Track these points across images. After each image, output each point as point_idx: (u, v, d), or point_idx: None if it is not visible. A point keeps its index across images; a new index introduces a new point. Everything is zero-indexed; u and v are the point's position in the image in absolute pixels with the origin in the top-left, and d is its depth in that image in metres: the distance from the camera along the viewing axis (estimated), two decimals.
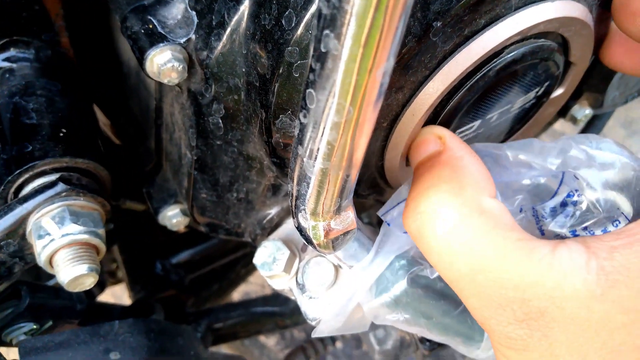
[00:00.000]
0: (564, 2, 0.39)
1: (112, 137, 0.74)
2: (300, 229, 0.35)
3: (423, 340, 0.56)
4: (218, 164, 0.48)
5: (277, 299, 0.73)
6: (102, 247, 0.43)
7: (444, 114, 0.41)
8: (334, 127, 0.29)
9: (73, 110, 0.49)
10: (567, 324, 0.31)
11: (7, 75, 0.50)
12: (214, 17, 0.41)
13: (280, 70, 0.38)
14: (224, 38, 0.41)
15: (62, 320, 0.54)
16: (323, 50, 0.26)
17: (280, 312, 0.72)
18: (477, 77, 0.39)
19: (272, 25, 0.37)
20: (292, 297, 0.49)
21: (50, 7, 0.55)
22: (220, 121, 0.45)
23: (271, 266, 0.46)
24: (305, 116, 0.30)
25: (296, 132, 0.31)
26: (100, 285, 0.72)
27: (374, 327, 0.56)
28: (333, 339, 0.77)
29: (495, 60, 0.39)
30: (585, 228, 0.37)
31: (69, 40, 0.57)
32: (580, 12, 0.40)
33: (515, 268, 0.32)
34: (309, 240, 0.35)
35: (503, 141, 0.52)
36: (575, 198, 0.37)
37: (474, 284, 0.33)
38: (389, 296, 0.43)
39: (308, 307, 0.45)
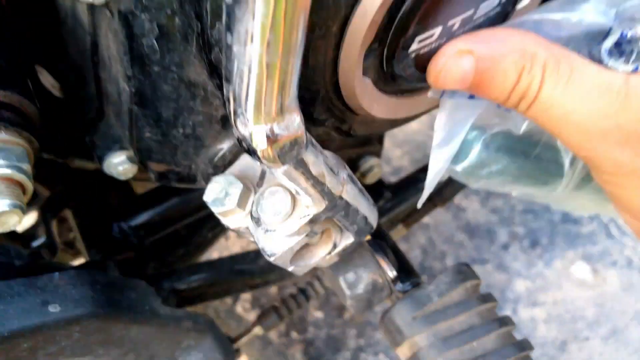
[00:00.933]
0: None
1: (53, 89, 0.69)
2: (240, 139, 0.31)
3: (396, 280, 0.53)
4: (159, 95, 0.44)
5: (246, 257, 0.70)
6: (29, 184, 0.38)
7: (400, 16, 0.37)
8: (264, 1, 0.25)
9: None
10: None
11: None
12: None
13: None
14: None
15: None
16: None
17: (249, 270, 0.69)
18: None
19: None
20: (250, 238, 0.45)
21: None
22: (155, 43, 0.40)
23: (223, 201, 0.42)
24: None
25: (223, 17, 0.27)
26: (51, 250, 0.67)
27: (343, 270, 0.53)
28: (307, 296, 0.74)
29: None
30: None
31: None
32: None
33: (600, 100, 0.36)
34: (250, 150, 0.31)
35: None
36: (629, 35, 0.37)
37: (572, 123, 0.37)
38: (467, 163, 0.48)
39: (265, 242, 0.41)
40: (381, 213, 0.80)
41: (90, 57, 0.50)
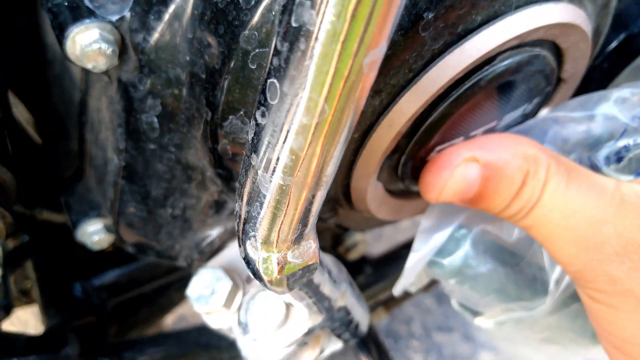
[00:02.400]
0: (567, 6, 0.33)
1: (33, 135, 0.64)
2: (247, 260, 0.27)
3: None
4: (150, 173, 0.40)
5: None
6: None
7: (425, 127, 0.35)
8: (301, 130, 0.22)
9: None
10: None
11: None
12: None
13: (233, 60, 0.31)
14: (166, 18, 0.33)
15: None
16: (294, 24, 0.19)
17: (217, 345, 0.64)
18: (467, 86, 0.33)
19: (227, 4, 0.30)
20: (231, 337, 0.41)
21: None
22: (156, 120, 0.37)
23: (208, 300, 0.38)
24: (263, 115, 0.23)
25: (250, 136, 0.24)
26: (6, 309, 0.61)
27: None
28: None
29: (486, 68, 0.33)
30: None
31: None
32: (582, 20, 0.35)
33: (598, 203, 0.34)
34: (257, 276, 0.27)
35: None
36: (631, 144, 0.37)
37: (569, 229, 0.34)
38: (454, 259, 0.44)
39: (250, 351, 0.37)
40: (361, 289, 0.77)
41: (77, 116, 0.46)
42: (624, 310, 0.34)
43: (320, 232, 0.58)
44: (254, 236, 0.26)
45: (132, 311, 0.70)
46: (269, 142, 0.23)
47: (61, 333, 0.55)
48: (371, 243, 1.44)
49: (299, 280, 0.28)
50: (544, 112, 0.44)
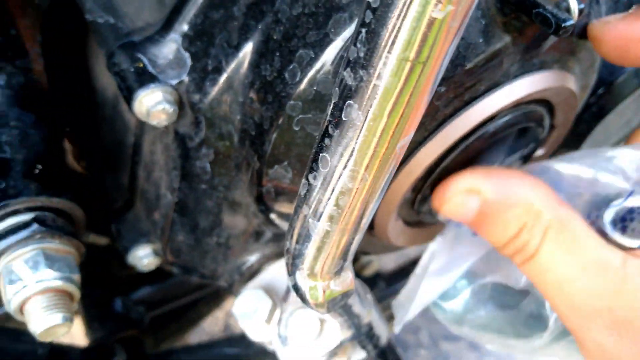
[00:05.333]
0: (556, 72, 0.40)
1: (74, 164, 0.71)
2: (296, 287, 0.34)
3: None
4: (200, 208, 0.46)
5: (242, 340, 0.71)
6: (77, 293, 0.40)
7: (437, 173, 0.41)
8: (346, 191, 0.28)
9: (48, 144, 0.46)
10: None
11: None
12: (210, 61, 0.40)
13: (280, 122, 0.37)
14: (220, 83, 0.40)
15: None
16: (344, 118, 0.26)
17: (244, 354, 0.70)
18: (472, 139, 0.40)
19: (274, 77, 0.37)
20: (270, 348, 0.47)
21: (28, 33, 0.52)
22: (208, 165, 0.43)
23: (252, 316, 0.45)
24: (315, 178, 0.29)
25: (302, 191, 0.31)
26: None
27: None
28: None
29: (489, 123, 0.40)
30: None
31: (43, 67, 0.55)
32: (570, 82, 0.41)
33: (595, 278, 0.34)
34: (305, 300, 0.34)
35: None
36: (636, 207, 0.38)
37: (564, 293, 0.35)
38: (454, 306, 0.46)
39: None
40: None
41: (132, 156, 0.53)
42: None
43: None
44: (303, 269, 0.33)
45: (165, 324, 0.76)
46: (319, 198, 0.30)
47: (108, 345, 0.61)
48: (384, 256, 1.50)
49: (338, 303, 0.34)
50: (539, 153, 0.50)
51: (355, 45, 0.24)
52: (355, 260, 0.78)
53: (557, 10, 0.32)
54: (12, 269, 0.38)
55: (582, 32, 0.40)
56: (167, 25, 0.42)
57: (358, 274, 0.86)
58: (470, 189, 0.38)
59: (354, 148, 0.26)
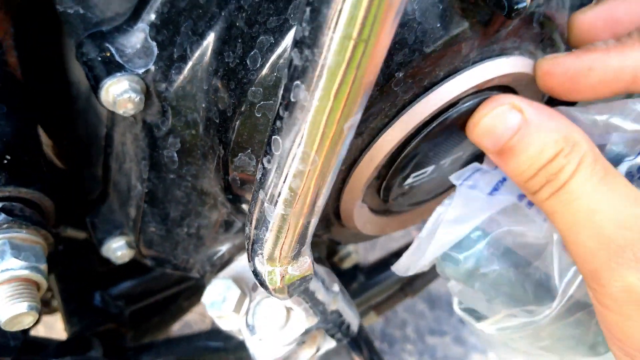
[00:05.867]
0: (517, 58, 0.40)
1: (54, 159, 0.71)
2: (256, 273, 0.34)
3: None
4: (170, 198, 0.47)
5: (221, 333, 0.71)
6: (44, 283, 0.40)
7: (400, 159, 0.42)
8: (297, 174, 0.29)
9: (18, 135, 0.46)
10: None
11: None
12: (175, 49, 0.41)
13: (242, 109, 0.38)
14: (185, 72, 0.40)
15: None
16: (292, 99, 0.26)
17: (224, 347, 0.70)
18: (433, 125, 0.40)
19: (237, 64, 0.37)
20: (240, 337, 0.47)
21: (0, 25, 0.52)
22: (176, 155, 0.44)
23: (220, 306, 0.45)
24: (269, 162, 0.30)
25: (258, 176, 0.31)
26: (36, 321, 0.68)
27: None
28: None
29: (450, 109, 0.40)
30: None
31: (17, 60, 0.55)
32: (530, 67, 0.42)
33: (630, 209, 0.34)
34: (264, 285, 0.34)
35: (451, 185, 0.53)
36: None
37: (594, 224, 0.34)
38: (469, 255, 0.45)
39: (257, 350, 0.44)
40: (354, 295, 0.84)
41: (103, 147, 0.53)
42: (636, 320, 0.34)
43: (316, 246, 0.64)
44: (261, 254, 0.33)
45: (146, 318, 0.77)
46: (273, 182, 0.30)
47: (85, 338, 0.61)
48: (366, 250, 1.51)
49: (298, 288, 0.35)
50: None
51: (300, 24, 0.25)
52: (334, 252, 0.78)
53: None
54: None
55: (543, 20, 0.40)
56: (135, 14, 0.42)
57: (336, 267, 0.87)
58: (515, 105, 0.37)
59: (303, 129, 0.27)
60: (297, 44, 0.25)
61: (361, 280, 0.84)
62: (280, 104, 0.27)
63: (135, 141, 0.46)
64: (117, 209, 0.55)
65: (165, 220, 0.48)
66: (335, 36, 0.24)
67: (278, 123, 0.28)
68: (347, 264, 0.79)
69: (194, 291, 0.81)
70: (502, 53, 0.39)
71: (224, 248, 0.50)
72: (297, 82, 0.26)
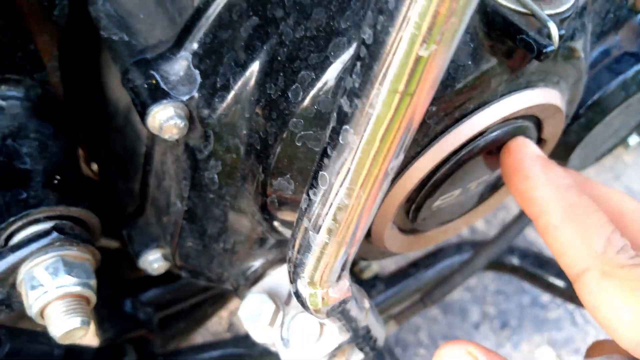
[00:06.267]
0: (542, 90, 0.43)
1: (86, 169, 0.74)
2: (297, 294, 0.37)
3: None
4: (208, 216, 0.49)
5: (247, 340, 0.74)
6: (94, 298, 0.43)
7: (430, 185, 0.44)
8: (342, 207, 0.31)
9: (65, 155, 0.49)
10: None
11: None
12: (218, 78, 0.43)
13: (283, 137, 0.40)
14: (228, 100, 0.43)
15: None
16: (341, 142, 0.29)
17: (249, 353, 0.73)
18: (462, 153, 0.42)
19: (278, 96, 0.40)
20: (273, 349, 0.50)
21: (45, 48, 0.55)
22: (216, 176, 0.46)
23: (257, 319, 0.47)
24: (314, 194, 0.32)
25: (303, 205, 0.33)
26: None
27: None
28: None
29: (478, 138, 0.42)
30: None
31: (60, 80, 0.58)
32: (556, 99, 0.44)
33: None
34: (305, 306, 0.36)
35: (475, 205, 0.55)
36: None
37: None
38: None
39: None
40: (374, 303, 0.86)
41: (143, 164, 0.55)
42: None
43: None
44: (304, 277, 0.35)
45: (173, 324, 0.79)
46: (318, 212, 0.32)
47: (119, 345, 0.64)
48: (385, 260, 1.53)
49: (336, 309, 0.37)
50: None
51: (351, 76, 0.27)
52: (354, 263, 0.80)
53: (539, 37, 0.35)
54: (33, 275, 0.41)
55: (567, 53, 0.42)
56: (179, 43, 0.45)
57: (357, 277, 0.89)
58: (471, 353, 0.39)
59: (349, 168, 0.29)
60: (347, 93, 0.27)
61: (381, 290, 0.87)
62: (328, 143, 0.30)
63: (177, 162, 0.49)
64: (154, 222, 0.58)
65: (202, 236, 0.51)
66: (383, 89, 0.26)
67: (325, 161, 0.30)
68: (367, 275, 0.81)
69: (218, 298, 0.84)
70: (528, 86, 0.41)
71: (257, 263, 0.53)
72: (346, 126, 0.28)
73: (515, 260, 0.90)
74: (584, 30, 0.44)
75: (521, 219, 0.80)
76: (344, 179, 0.30)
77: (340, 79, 0.38)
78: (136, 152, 0.59)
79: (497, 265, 0.91)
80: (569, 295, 0.86)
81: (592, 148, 0.64)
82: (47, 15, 0.52)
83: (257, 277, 0.53)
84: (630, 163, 1.94)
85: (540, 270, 0.88)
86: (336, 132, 0.29)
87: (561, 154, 0.63)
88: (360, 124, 0.27)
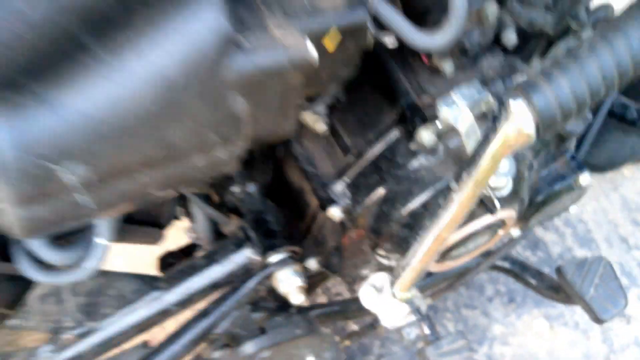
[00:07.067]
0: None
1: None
2: (394, 294, 0.93)
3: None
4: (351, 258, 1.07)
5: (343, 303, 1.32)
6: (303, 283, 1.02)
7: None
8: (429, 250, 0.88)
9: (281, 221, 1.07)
10: None
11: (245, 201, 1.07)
12: (358, 196, 0.99)
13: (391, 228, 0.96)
14: (362, 207, 0.99)
15: None
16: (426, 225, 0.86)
17: (345, 310, 1.31)
18: None
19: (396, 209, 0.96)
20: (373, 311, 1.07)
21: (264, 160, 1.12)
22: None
23: (375, 293, 1.05)
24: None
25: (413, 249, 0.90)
26: None
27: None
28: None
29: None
30: None
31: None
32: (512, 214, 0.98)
33: None
34: (395, 297, 0.93)
35: None
36: None
37: None
38: None
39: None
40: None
41: (309, 223, 1.12)
42: None
43: None
44: (398, 283, 0.92)
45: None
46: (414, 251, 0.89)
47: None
48: None
49: (413, 303, 0.94)
50: None
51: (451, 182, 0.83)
52: None
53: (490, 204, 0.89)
54: (281, 277, 0.99)
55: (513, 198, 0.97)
56: (339, 175, 1.01)
57: None
58: None
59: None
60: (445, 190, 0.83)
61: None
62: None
63: (332, 231, 1.06)
64: (312, 246, 1.15)
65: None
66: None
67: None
68: None
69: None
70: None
71: (366, 271, 1.10)
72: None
73: (507, 265, 1.44)
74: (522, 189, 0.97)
75: (514, 240, 1.33)
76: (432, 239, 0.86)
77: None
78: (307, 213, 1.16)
79: (497, 267, 1.45)
80: (539, 290, 1.40)
81: (543, 216, 1.17)
82: None
83: (365, 277, 1.10)
84: (629, 176, 2.26)
85: (522, 272, 1.43)
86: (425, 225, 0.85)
87: (524, 219, 1.15)
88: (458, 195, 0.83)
